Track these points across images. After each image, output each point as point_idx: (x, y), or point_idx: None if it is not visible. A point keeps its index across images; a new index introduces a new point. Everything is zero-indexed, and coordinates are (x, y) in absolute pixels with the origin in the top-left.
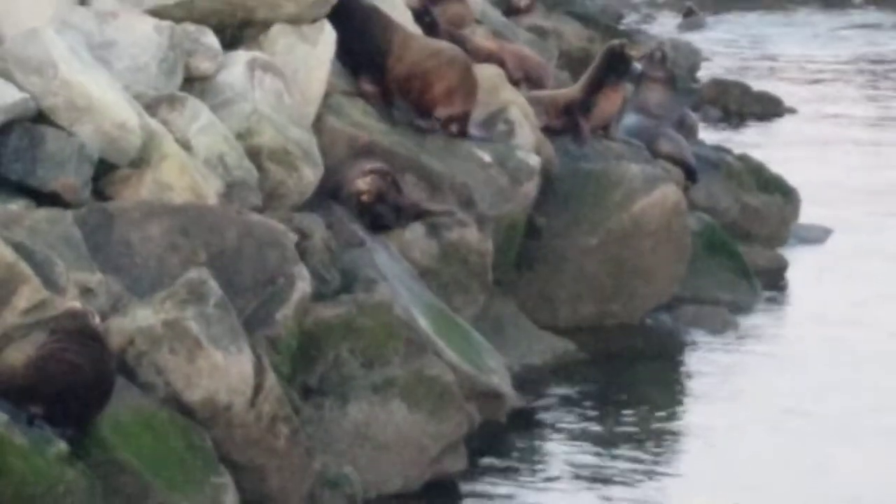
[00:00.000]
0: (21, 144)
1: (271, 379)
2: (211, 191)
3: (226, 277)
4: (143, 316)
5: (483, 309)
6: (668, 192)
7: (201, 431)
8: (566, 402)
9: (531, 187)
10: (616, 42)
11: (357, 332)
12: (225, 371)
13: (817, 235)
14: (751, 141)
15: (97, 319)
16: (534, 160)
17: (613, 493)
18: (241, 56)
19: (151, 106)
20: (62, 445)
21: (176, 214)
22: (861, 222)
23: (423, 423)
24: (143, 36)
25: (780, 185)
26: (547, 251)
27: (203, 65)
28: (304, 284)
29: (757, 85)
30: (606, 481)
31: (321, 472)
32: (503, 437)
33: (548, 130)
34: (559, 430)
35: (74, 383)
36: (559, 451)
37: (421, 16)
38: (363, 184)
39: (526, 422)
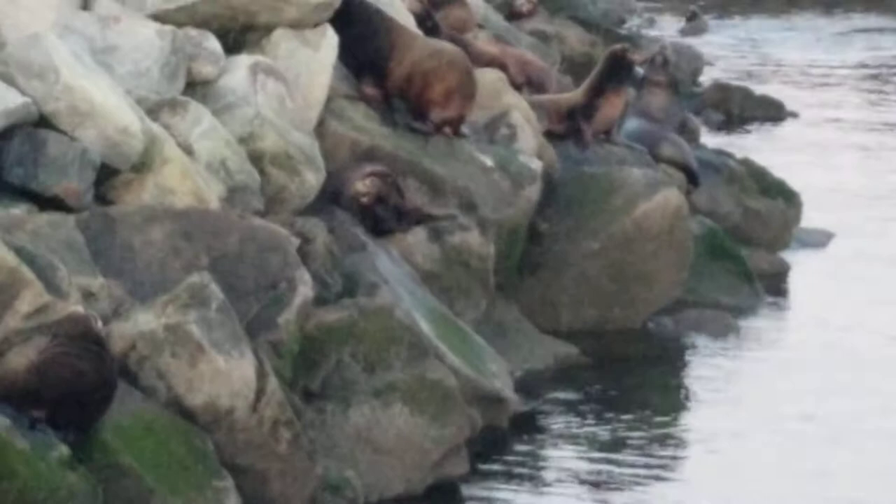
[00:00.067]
0: (23, 149)
1: (273, 383)
2: (213, 195)
3: (228, 282)
4: (145, 320)
5: (485, 313)
6: (671, 197)
7: (203, 436)
8: (568, 406)
9: (533, 191)
10: (618, 46)
11: (359, 336)
12: (227, 375)
13: (819, 239)
14: (753, 145)
15: (99, 324)
16: (536, 164)
17: (615, 498)
18: (243, 60)
19: (153, 110)
20: (64, 449)
21: (178, 219)
22: (863, 226)
23: (424, 427)
24: (145, 40)
25: (783, 189)
26: (549, 255)
27: (205, 69)
28: (305, 289)
29: (759, 89)
30: (608, 486)
31: (323, 476)
32: (505, 441)
33: (550, 135)
34: (561, 435)
35: (76, 387)
36: (561, 456)
37: (423, 20)
38: (363, 186)
39: (528, 426)
